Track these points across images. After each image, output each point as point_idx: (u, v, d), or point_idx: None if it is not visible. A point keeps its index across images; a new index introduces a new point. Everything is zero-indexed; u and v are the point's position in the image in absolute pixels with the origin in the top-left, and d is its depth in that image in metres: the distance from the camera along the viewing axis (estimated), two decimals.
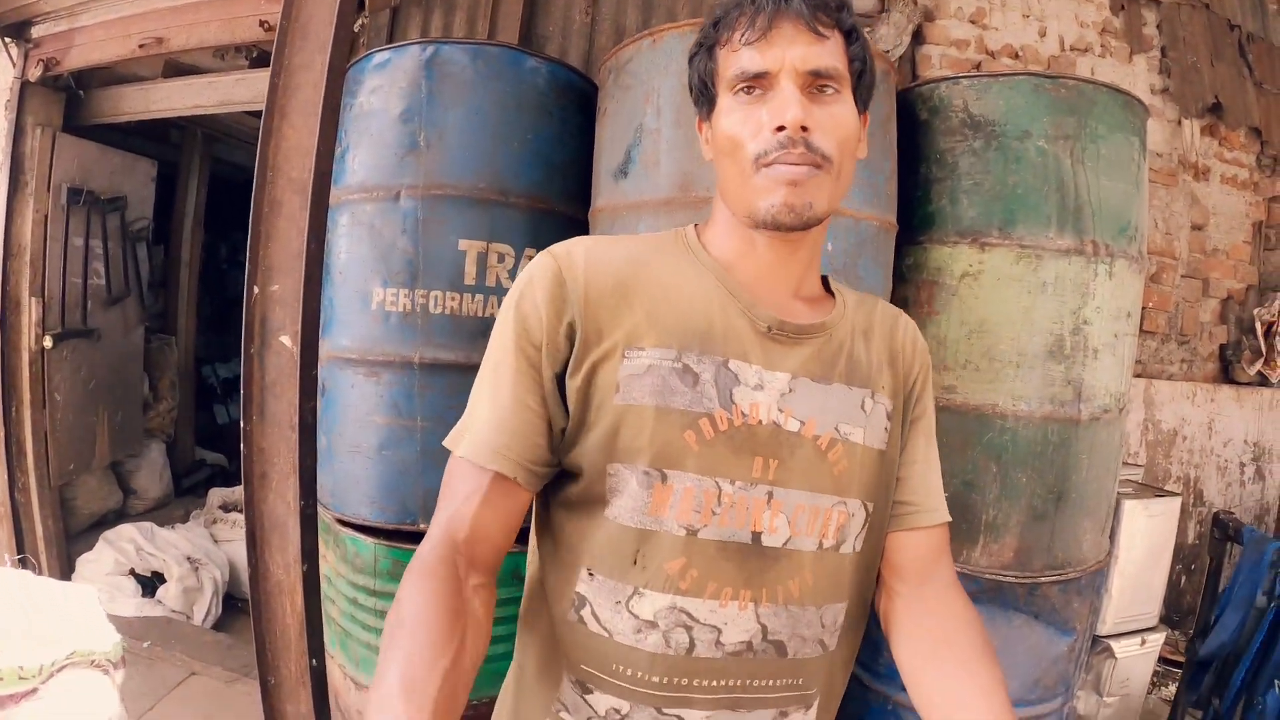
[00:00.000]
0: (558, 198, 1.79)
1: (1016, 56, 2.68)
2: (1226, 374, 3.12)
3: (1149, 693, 2.42)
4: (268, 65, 2.89)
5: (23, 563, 2.89)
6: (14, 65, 3.21)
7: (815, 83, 0.73)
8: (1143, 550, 2.27)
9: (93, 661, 0.56)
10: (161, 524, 3.33)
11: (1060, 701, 1.86)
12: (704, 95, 0.80)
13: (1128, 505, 2.20)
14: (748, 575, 0.76)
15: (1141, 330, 2.87)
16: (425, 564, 0.71)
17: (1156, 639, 2.33)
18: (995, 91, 1.65)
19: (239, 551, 3.29)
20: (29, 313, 3.18)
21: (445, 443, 0.78)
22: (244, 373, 1.48)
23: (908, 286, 1.73)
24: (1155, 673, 2.42)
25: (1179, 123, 2.95)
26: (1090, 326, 1.66)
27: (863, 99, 0.80)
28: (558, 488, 0.81)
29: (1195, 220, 3.00)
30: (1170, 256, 2.96)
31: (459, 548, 0.73)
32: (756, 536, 0.76)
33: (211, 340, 5.79)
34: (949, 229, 1.68)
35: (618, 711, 0.77)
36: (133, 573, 3.08)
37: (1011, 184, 1.63)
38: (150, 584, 3.09)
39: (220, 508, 3.58)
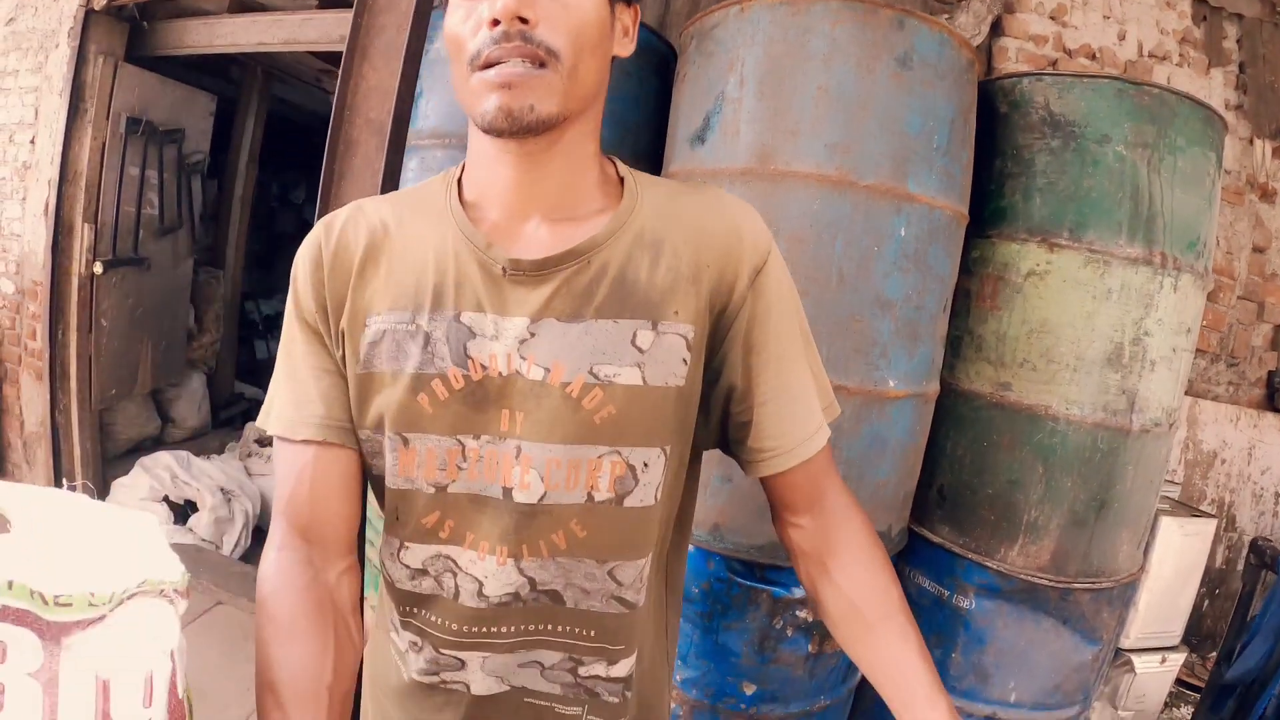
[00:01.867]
0: (629, 157, 1.76)
1: (1094, 58, 2.62)
2: (1271, 401, 3.07)
3: (1161, 711, 2.42)
4: (337, 6, 2.92)
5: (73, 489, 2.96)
6: None
7: None
8: (1173, 568, 2.26)
9: (160, 591, 0.57)
10: (197, 454, 3.40)
11: (1078, 710, 1.86)
12: None
13: (1164, 522, 2.19)
14: (502, 530, 0.72)
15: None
16: (281, 572, 0.71)
17: (1177, 659, 2.33)
18: (1078, 92, 1.62)
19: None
20: (81, 238, 3.23)
21: (256, 423, 0.80)
22: None
23: (971, 279, 1.71)
24: (1170, 693, 2.41)
25: (1251, 141, 2.87)
26: (1150, 338, 1.64)
27: None
28: None
29: (1257, 242, 2.93)
30: (1229, 276, 2.90)
31: (309, 538, 0.73)
32: (508, 492, 0.72)
33: (257, 276, 5.86)
34: (1019, 226, 1.66)
35: (415, 644, 0.79)
36: (166, 500, 3.14)
37: (1086, 187, 1.61)
38: (183, 512, 3.15)
39: (256, 442, 3.64)
